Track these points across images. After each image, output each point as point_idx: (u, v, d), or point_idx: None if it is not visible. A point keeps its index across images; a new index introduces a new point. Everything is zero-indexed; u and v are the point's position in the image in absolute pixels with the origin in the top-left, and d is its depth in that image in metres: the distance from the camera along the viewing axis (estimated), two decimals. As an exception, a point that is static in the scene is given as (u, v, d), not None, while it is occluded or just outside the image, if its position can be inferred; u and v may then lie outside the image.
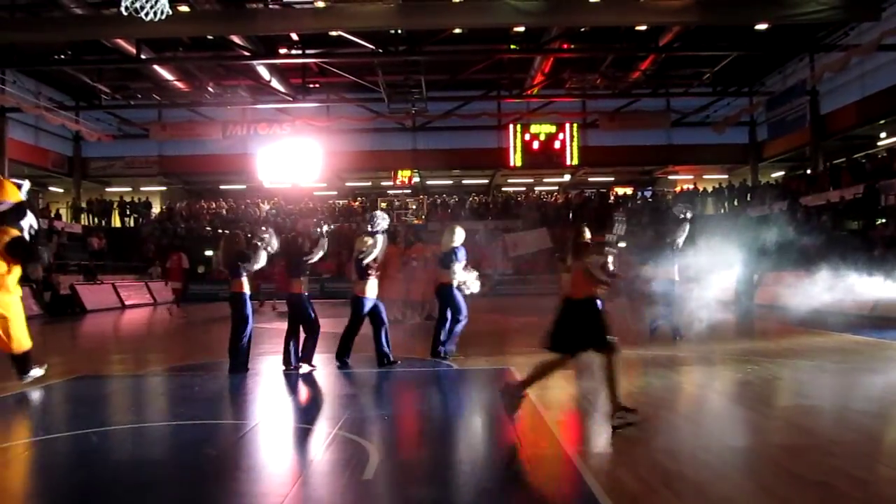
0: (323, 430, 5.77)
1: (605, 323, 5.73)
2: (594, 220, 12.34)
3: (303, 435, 5.85)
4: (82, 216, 36.04)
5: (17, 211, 7.91)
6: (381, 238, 9.10)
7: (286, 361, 9.02)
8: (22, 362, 8.02)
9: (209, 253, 30.73)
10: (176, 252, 21.84)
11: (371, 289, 9.06)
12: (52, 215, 32.71)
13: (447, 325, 9.49)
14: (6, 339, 7.82)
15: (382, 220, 9.24)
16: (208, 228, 35.31)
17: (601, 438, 5.47)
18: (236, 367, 8.71)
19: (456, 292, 9.34)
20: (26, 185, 8.46)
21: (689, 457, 4.79)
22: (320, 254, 9.13)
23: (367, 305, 9.03)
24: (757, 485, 4.14)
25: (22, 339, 7.92)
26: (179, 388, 8.36)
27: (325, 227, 9.42)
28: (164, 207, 39.63)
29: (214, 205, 39.48)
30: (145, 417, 6.85)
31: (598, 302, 5.70)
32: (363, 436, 5.36)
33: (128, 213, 37.41)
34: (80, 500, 4.27)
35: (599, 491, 4.00)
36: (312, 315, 9.03)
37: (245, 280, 8.72)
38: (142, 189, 40.75)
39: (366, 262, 8.99)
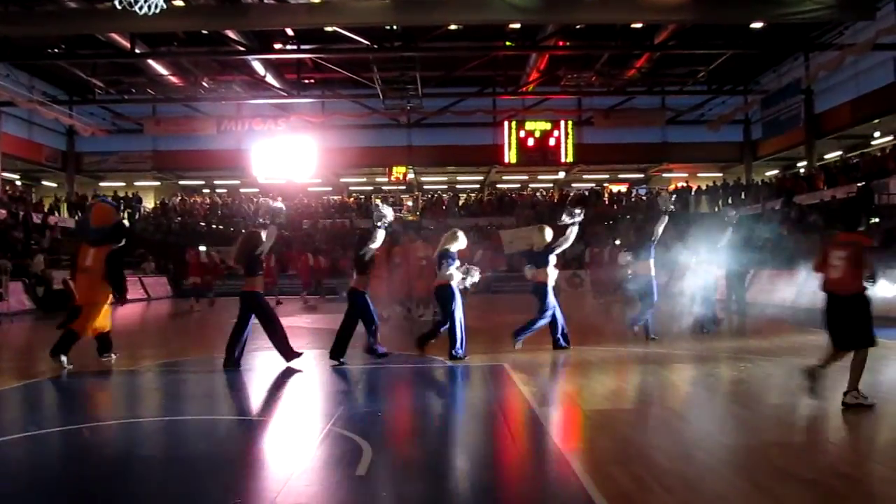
0: (317, 426, 5.76)
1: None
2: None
3: (296, 431, 5.83)
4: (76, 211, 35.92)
5: (117, 230, 9.60)
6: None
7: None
8: (104, 343, 9.53)
9: (203, 248, 30.63)
10: (194, 248, 22.02)
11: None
12: (46, 210, 32.61)
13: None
14: (82, 320, 9.22)
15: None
16: (202, 224, 35.25)
17: (595, 435, 5.48)
18: (230, 362, 8.69)
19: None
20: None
21: (682, 454, 4.79)
22: (375, 246, 9.16)
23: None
24: (750, 482, 4.14)
25: (88, 328, 9.27)
26: (173, 383, 8.34)
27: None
28: (157, 203, 39.56)
29: (209, 200, 39.45)
30: (138, 413, 6.84)
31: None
32: (357, 432, 5.35)
33: (121, 207, 37.30)
34: (72, 496, 4.25)
35: (593, 488, 4.00)
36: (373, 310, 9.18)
37: (259, 279, 8.79)
38: (135, 184, 40.70)
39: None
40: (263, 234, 8.82)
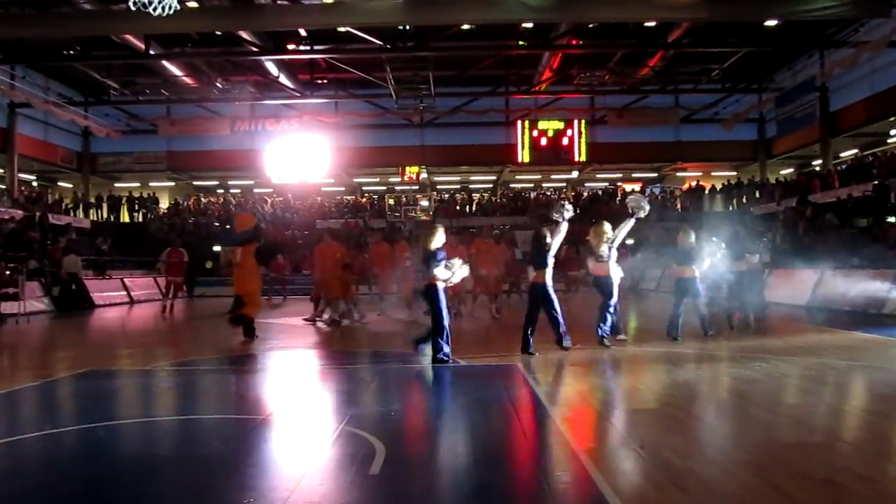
0: (330, 425, 5.78)
1: None
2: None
3: (309, 430, 5.85)
4: (91, 211, 36.21)
5: (257, 232, 12.31)
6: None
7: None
8: (250, 327, 11.77)
9: (217, 248, 30.81)
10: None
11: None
12: (62, 210, 32.86)
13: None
14: (249, 305, 11.77)
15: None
16: (216, 224, 35.42)
17: (608, 435, 5.46)
18: (437, 359, 8.83)
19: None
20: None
21: (696, 454, 4.77)
22: (559, 239, 9.64)
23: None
24: (765, 482, 4.12)
25: (256, 308, 11.97)
26: (187, 383, 8.39)
27: (566, 213, 9.85)
28: (171, 203, 39.77)
29: (222, 200, 39.63)
30: (152, 412, 6.88)
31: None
32: (370, 431, 5.36)
33: (136, 208, 37.56)
34: (87, 494, 4.28)
35: (606, 487, 3.99)
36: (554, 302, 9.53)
37: (440, 271, 8.96)
38: (150, 185, 40.91)
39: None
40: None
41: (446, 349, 8.87)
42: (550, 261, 9.74)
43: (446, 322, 8.97)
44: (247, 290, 11.73)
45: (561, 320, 9.67)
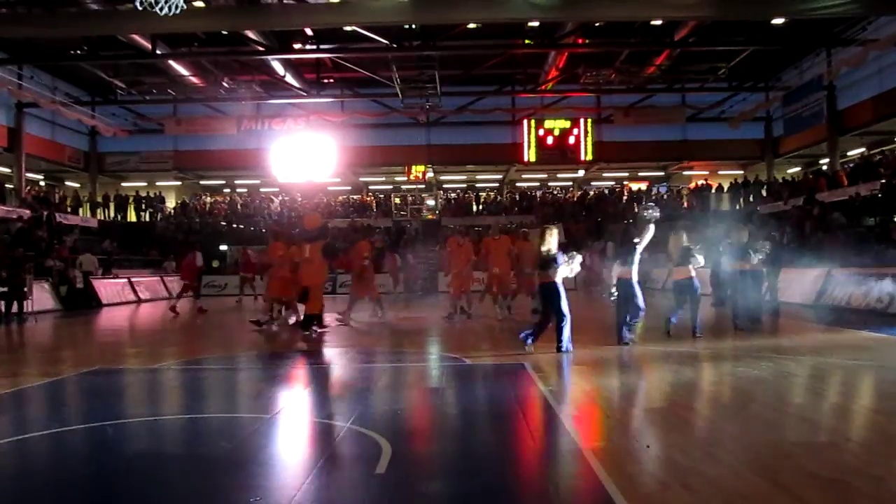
0: (336, 424, 5.78)
1: None
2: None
3: (316, 429, 5.86)
4: (98, 211, 36.33)
5: (324, 230, 13.80)
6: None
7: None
8: (309, 321, 12.62)
9: (224, 247, 30.90)
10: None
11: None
12: (69, 210, 32.99)
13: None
14: (313, 301, 12.68)
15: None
16: (223, 223, 35.50)
17: (615, 434, 5.46)
18: (559, 349, 9.44)
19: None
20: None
21: (703, 453, 4.76)
22: (647, 238, 10.06)
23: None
24: (771, 482, 4.11)
25: (318, 304, 12.73)
26: (193, 381, 8.41)
27: (651, 212, 10.18)
28: (178, 203, 39.86)
29: (229, 199, 39.71)
30: (159, 410, 6.90)
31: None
32: (376, 430, 5.36)
33: (143, 207, 37.68)
34: (93, 492, 4.30)
35: (612, 487, 3.99)
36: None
37: (559, 270, 9.54)
38: (157, 184, 40.99)
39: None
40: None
41: (568, 340, 9.55)
42: (637, 258, 10.19)
43: (568, 316, 9.56)
44: (313, 282, 12.73)
45: (641, 313, 10.18)
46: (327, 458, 4.80)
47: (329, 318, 14.41)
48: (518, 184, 43.30)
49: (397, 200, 38.70)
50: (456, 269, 15.63)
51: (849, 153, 33.83)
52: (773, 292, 15.18)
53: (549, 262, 9.60)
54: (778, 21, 24.87)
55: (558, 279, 9.60)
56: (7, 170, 32.70)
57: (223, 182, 43.72)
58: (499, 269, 15.17)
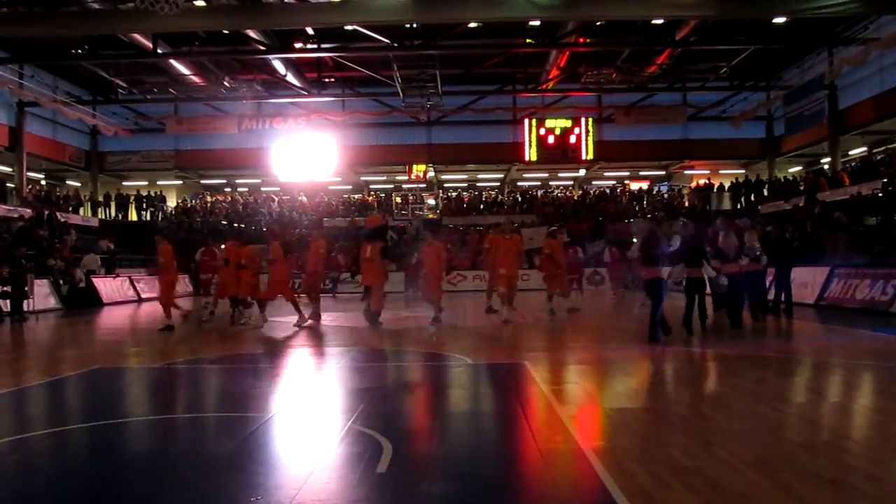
0: (337, 424, 5.78)
1: None
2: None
3: (317, 428, 5.86)
4: (99, 210, 36.34)
5: (383, 230, 14.80)
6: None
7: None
8: (376, 315, 13.54)
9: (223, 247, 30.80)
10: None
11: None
12: (69, 209, 32.98)
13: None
14: (375, 298, 13.58)
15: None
16: (224, 222, 35.49)
17: (615, 433, 5.46)
18: (654, 338, 10.13)
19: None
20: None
21: (703, 452, 4.76)
22: (677, 243, 10.83)
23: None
24: (772, 481, 4.11)
25: (381, 301, 13.66)
26: (195, 380, 8.41)
27: (682, 221, 11.13)
28: (179, 202, 39.85)
29: (230, 198, 39.71)
30: (160, 410, 6.90)
31: None
32: (377, 429, 5.37)
33: (143, 206, 37.68)
34: (95, 490, 4.30)
35: (613, 486, 3.99)
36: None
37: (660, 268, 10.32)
38: (158, 183, 40.98)
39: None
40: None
41: (660, 333, 10.24)
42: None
43: (661, 312, 10.24)
44: (373, 281, 13.59)
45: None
46: (328, 457, 4.80)
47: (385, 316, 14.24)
48: (519, 183, 43.28)
49: (398, 199, 38.68)
50: (430, 271, 14.57)
51: (850, 152, 33.80)
52: (782, 290, 15.12)
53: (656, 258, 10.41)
54: (779, 20, 24.83)
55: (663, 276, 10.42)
56: (8, 169, 32.69)
57: (224, 181, 43.69)
58: (506, 270, 14.42)
